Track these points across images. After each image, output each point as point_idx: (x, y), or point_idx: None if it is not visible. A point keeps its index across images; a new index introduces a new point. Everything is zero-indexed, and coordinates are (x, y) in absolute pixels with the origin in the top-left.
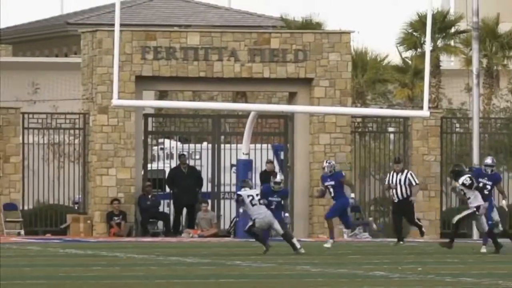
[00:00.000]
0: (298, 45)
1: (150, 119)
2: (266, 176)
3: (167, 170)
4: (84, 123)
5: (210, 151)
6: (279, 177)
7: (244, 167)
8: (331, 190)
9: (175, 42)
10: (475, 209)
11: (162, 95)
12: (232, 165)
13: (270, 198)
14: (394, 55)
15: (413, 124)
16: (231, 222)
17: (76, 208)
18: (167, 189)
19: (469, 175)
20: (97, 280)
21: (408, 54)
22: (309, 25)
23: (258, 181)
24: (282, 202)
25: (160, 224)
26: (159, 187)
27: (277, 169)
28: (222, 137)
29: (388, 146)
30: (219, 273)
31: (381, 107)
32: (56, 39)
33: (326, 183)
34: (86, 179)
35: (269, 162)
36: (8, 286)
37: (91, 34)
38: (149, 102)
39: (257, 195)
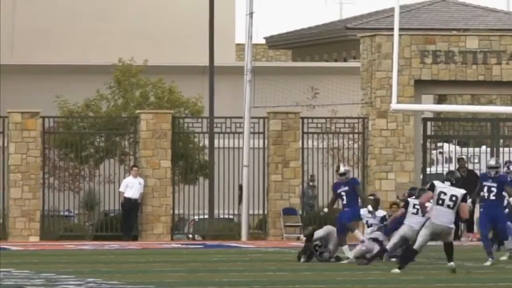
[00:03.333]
0: None
1: (429, 123)
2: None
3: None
4: (363, 128)
5: (489, 155)
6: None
7: None
8: (344, 197)
9: (454, 46)
10: None
11: (441, 99)
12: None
13: None
14: None
15: None
16: None
17: None
18: None
19: None
20: (377, 284)
21: None
22: None
23: None
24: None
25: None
26: None
27: None
28: (501, 140)
29: None
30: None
31: None
32: (335, 44)
33: (339, 190)
34: (365, 183)
35: None
36: None
37: (370, 39)
38: (428, 106)
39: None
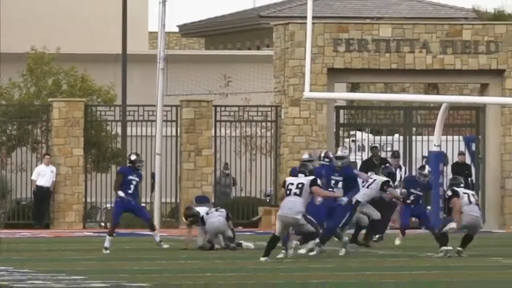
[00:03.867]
0: (490, 36)
1: (341, 111)
2: (458, 168)
3: (359, 162)
4: (276, 116)
5: (401, 143)
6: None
7: (435, 159)
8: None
9: (367, 34)
10: None
11: (354, 87)
12: (423, 157)
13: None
14: None
15: None
16: None
17: (267, 200)
18: None
19: None
20: (288, 273)
21: None
22: (501, 17)
23: (450, 173)
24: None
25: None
26: None
27: (468, 160)
28: (414, 129)
29: None
30: (411, 265)
31: None
32: (248, 32)
33: (334, 178)
34: (278, 171)
35: (461, 153)
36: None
37: (283, 27)
38: (341, 94)
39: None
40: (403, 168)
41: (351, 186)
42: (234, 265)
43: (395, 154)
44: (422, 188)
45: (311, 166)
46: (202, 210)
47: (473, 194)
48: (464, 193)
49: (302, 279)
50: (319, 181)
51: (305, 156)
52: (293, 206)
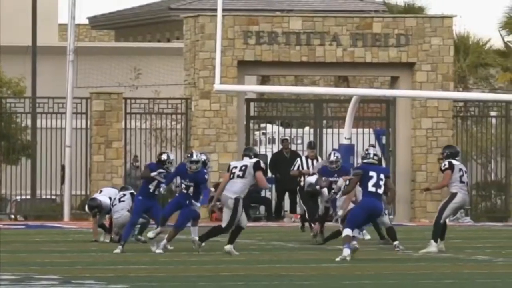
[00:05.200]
0: (400, 29)
1: (252, 104)
2: None
3: (269, 155)
4: (186, 108)
5: (312, 136)
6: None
7: (346, 152)
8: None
9: (277, 27)
10: None
11: (264, 80)
12: (333, 150)
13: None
14: (496, 39)
15: None
16: None
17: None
18: (269, 174)
19: None
20: (199, 265)
21: (511, 38)
22: (411, 9)
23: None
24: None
25: (262, 209)
26: None
27: (379, 152)
28: (324, 121)
29: (490, 130)
30: (321, 258)
31: (483, 92)
32: (158, 25)
33: (332, 179)
34: None
35: (371, 146)
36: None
37: (194, 19)
38: (251, 87)
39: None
40: (319, 159)
41: None
42: (146, 258)
43: (311, 145)
44: (338, 175)
45: (256, 149)
46: (107, 198)
47: (465, 171)
48: (460, 169)
49: (213, 272)
50: (262, 164)
51: (164, 156)
52: (231, 187)
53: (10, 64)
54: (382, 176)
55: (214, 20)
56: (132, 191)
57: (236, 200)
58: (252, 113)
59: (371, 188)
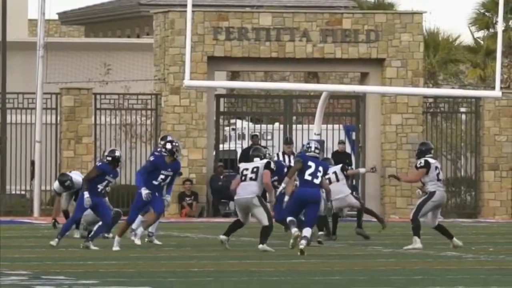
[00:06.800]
0: (370, 25)
1: (222, 100)
2: (339, 156)
3: (239, 151)
4: (156, 104)
5: (282, 132)
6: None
7: None
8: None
9: (247, 23)
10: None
11: (234, 76)
12: (303, 146)
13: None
14: (466, 35)
15: (485, 105)
16: None
17: None
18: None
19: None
20: (169, 261)
21: (480, 34)
22: (381, 6)
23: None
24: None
25: (232, 204)
26: (231, 167)
27: (348, 149)
28: (294, 117)
29: (460, 126)
30: (290, 254)
31: (453, 88)
32: (128, 20)
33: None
34: None
35: (341, 142)
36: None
37: (163, 15)
38: (221, 82)
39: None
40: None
41: None
42: (116, 254)
43: (288, 140)
44: None
45: (264, 150)
46: (78, 176)
47: (440, 168)
48: (436, 167)
49: (183, 267)
50: (272, 165)
51: (117, 153)
52: (246, 188)
53: None
54: (320, 168)
55: (184, 16)
56: None
57: (258, 196)
58: (222, 109)
59: (307, 177)
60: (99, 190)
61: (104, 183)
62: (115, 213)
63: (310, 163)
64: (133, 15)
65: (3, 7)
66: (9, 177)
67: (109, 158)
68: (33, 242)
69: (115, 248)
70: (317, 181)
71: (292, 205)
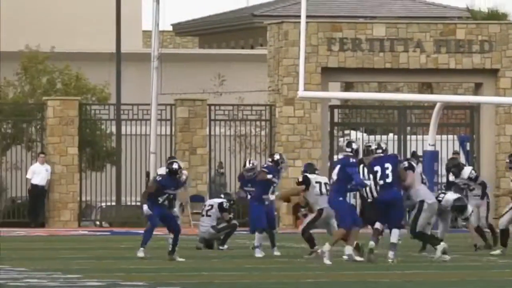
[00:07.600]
0: (484, 36)
1: (336, 111)
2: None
3: None
4: (270, 115)
5: (396, 142)
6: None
7: (430, 158)
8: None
9: (360, 34)
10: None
11: (348, 87)
12: (413, 154)
13: None
14: None
15: None
16: None
17: None
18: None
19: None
20: (279, 272)
21: None
22: (494, 16)
23: (444, 172)
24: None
25: None
26: None
27: (463, 160)
28: (408, 128)
29: None
30: (404, 265)
31: None
32: (242, 31)
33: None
34: None
35: (455, 153)
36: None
37: (277, 26)
38: (335, 93)
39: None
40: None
41: None
42: (232, 264)
43: (415, 155)
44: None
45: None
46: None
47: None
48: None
49: (294, 279)
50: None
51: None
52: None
53: (94, 71)
54: (387, 165)
55: (297, 27)
56: (222, 200)
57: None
58: (336, 120)
59: (379, 181)
60: (159, 202)
61: (165, 196)
62: (232, 226)
63: (375, 168)
64: (247, 26)
65: (117, 18)
66: (124, 188)
67: (167, 171)
68: (148, 253)
69: (258, 255)
70: (389, 179)
71: (377, 211)
